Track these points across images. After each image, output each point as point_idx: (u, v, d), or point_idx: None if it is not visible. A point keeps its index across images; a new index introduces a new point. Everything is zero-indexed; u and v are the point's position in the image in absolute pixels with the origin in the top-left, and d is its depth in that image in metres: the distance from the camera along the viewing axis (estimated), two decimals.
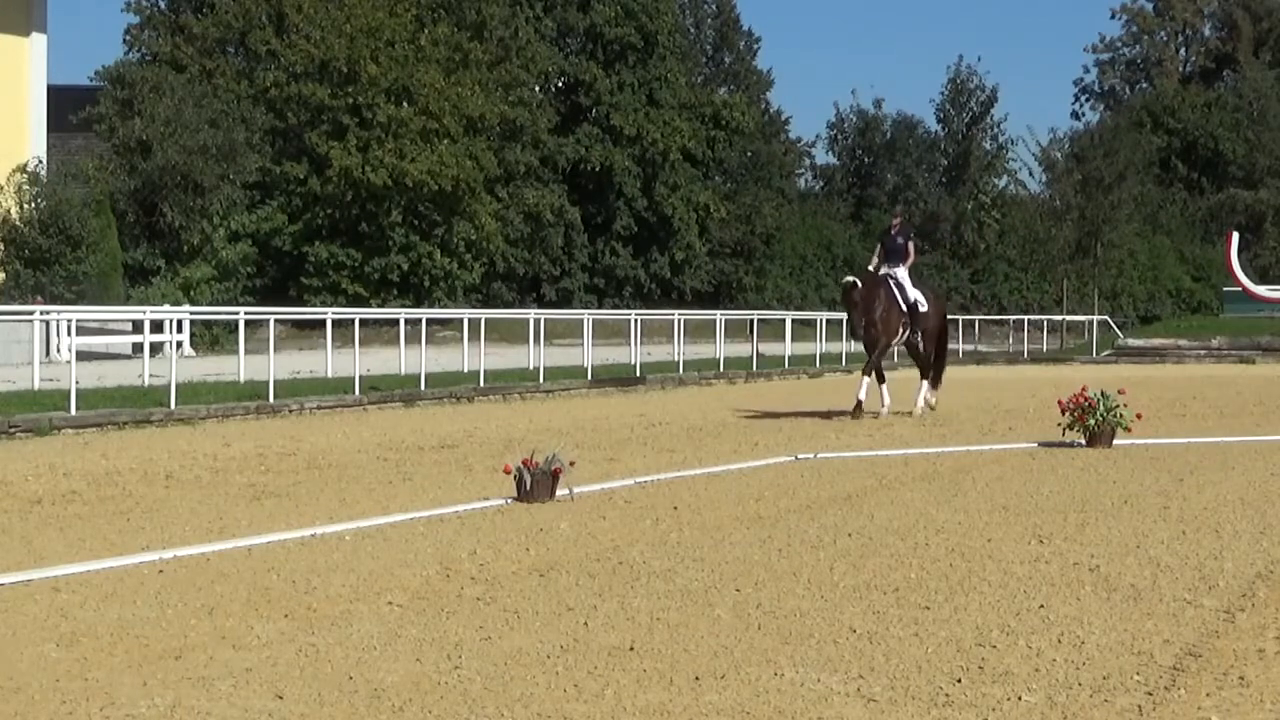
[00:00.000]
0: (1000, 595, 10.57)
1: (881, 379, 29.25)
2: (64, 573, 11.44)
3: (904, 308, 28.91)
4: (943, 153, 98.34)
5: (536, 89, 77.01)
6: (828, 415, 28.38)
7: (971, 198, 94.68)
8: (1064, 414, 21.54)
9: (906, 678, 8.38)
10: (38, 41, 54.33)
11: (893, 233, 29.88)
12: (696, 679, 8.33)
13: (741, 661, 8.70)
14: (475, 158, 66.74)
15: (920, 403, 29.26)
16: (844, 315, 30.64)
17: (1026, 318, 73.50)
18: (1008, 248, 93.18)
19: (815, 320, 57.40)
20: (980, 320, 75.74)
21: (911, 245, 29.91)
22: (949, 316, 34.87)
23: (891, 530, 13.53)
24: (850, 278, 29.23)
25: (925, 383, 29.82)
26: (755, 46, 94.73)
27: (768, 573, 11.44)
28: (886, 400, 28.73)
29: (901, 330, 29.08)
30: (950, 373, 32.95)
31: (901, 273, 29.15)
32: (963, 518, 14.33)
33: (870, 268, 29.42)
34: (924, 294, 29.68)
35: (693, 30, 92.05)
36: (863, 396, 28.24)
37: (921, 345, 29.73)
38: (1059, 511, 14.67)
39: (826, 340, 55.44)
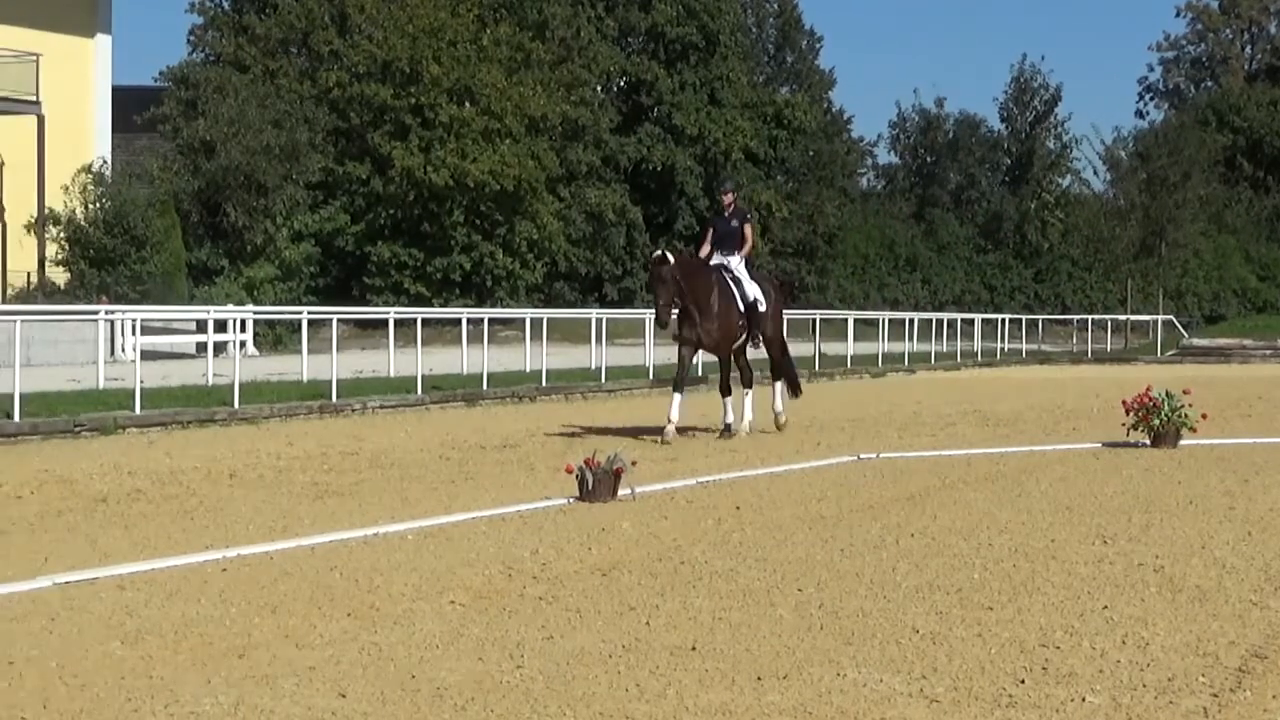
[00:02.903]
0: (1064, 596, 10.52)
1: (727, 391, 24.23)
2: (129, 571, 11.50)
3: (742, 306, 23.71)
4: (1006, 152, 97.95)
5: (598, 89, 77.04)
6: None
7: (1035, 197, 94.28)
8: (1128, 414, 21.40)
9: (969, 678, 8.35)
10: (103, 43, 54.70)
11: (725, 214, 24.39)
12: (759, 679, 8.32)
13: (804, 661, 8.68)
14: (537, 157, 66.81)
15: (749, 416, 24.48)
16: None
17: (1090, 317, 73.26)
18: (1071, 247, 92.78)
19: (878, 320, 57.26)
20: (1044, 320, 75.48)
21: (749, 229, 24.40)
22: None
23: (954, 531, 13.48)
24: (660, 250, 23.65)
25: (778, 385, 25.20)
26: (817, 46, 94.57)
27: (830, 573, 11.41)
28: (730, 418, 24.07)
29: (740, 335, 23.90)
30: (1014, 372, 32.48)
31: (736, 263, 23.83)
32: (1026, 518, 14.26)
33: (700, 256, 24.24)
34: (763, 289, 24.29)
35: (754, 29, 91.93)
36: (674, 417, 23.00)
37: (774, 349, 24.95)
38: (1123, 512, 14.59)
39: (889, 340, 55.31)
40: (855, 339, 52.77)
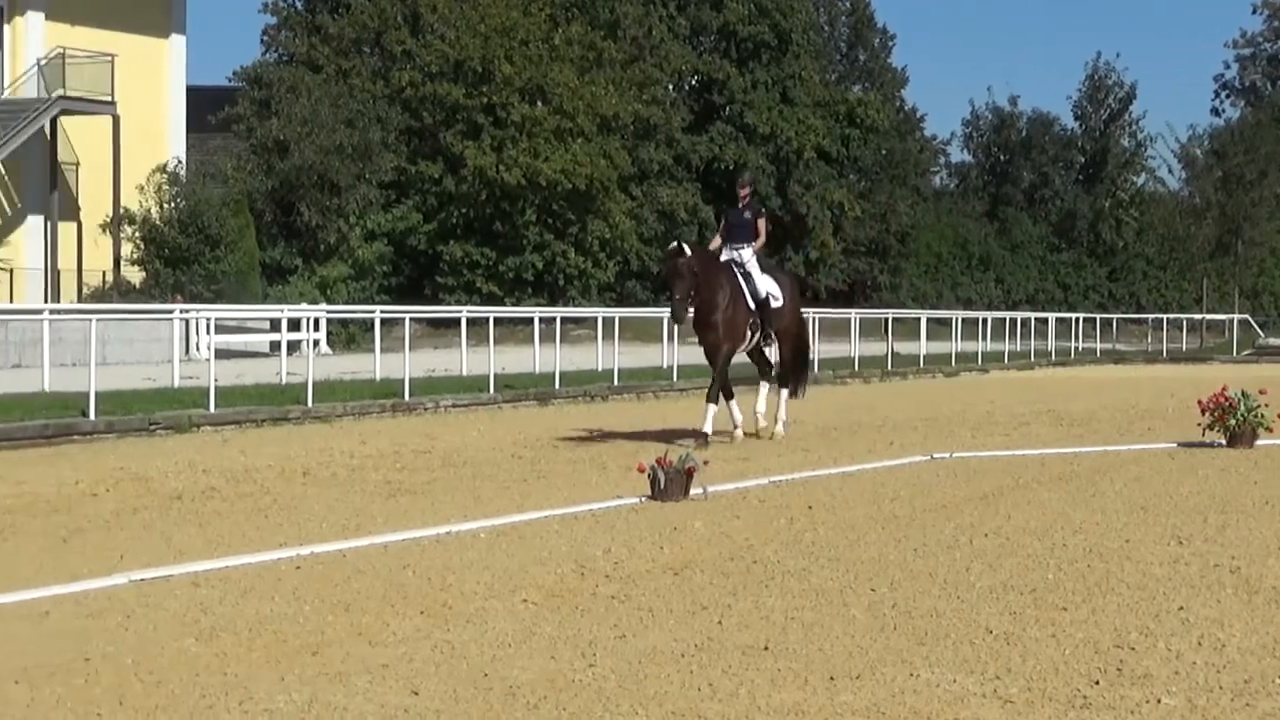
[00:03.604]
0: (1139, 597, 10.45)
1: (730, 394, 23.08)
2: (203, 568, 11.55)
3: (752, 304, 22.76)
4: (1080, 150, 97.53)
5: (670, 87, 77.03)
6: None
7: (1109, 195, 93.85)
8: (1204, 414, 21.25)
9: (1043, 679, 8.30)
10: (177, 43, 55.03)
11: (739, 205, 23.56)
12: (831, 679, 8.29)
13: (877, 662, 8.65)
14: (609, 156, 66.86)
15: (782, 416, 23.80)
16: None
17: (1165, 317, 72.87)
18: (1146, 246, 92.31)
19: (951, 319, 57.07)
20: (1118, 319, 75.11)
21: (762, 223, 23.47)
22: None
23: (1028, 531, 13.42)
24: (677, 242, 22.67)
25: (783, 391, 24.07)
26: (890, 44, 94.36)
27: (903, 572, 11.37)
28: (738, 418, 22.97)
29: (750, 334, 22.93)
30: (1088, 372, 32.16)
31: (748, 256, 22.95)
32: (1100, 518, 14.18)
33: (710, 249, 23.41)
34: (778, 284, 23.56)
35: (826, 28, 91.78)
36: (708, 429, 21.97)
37: (776, 352, 23.94)
38: (1199, 512, 14.49)
39: (962, 339, 55.13)
40: (928, 338, 52.61)
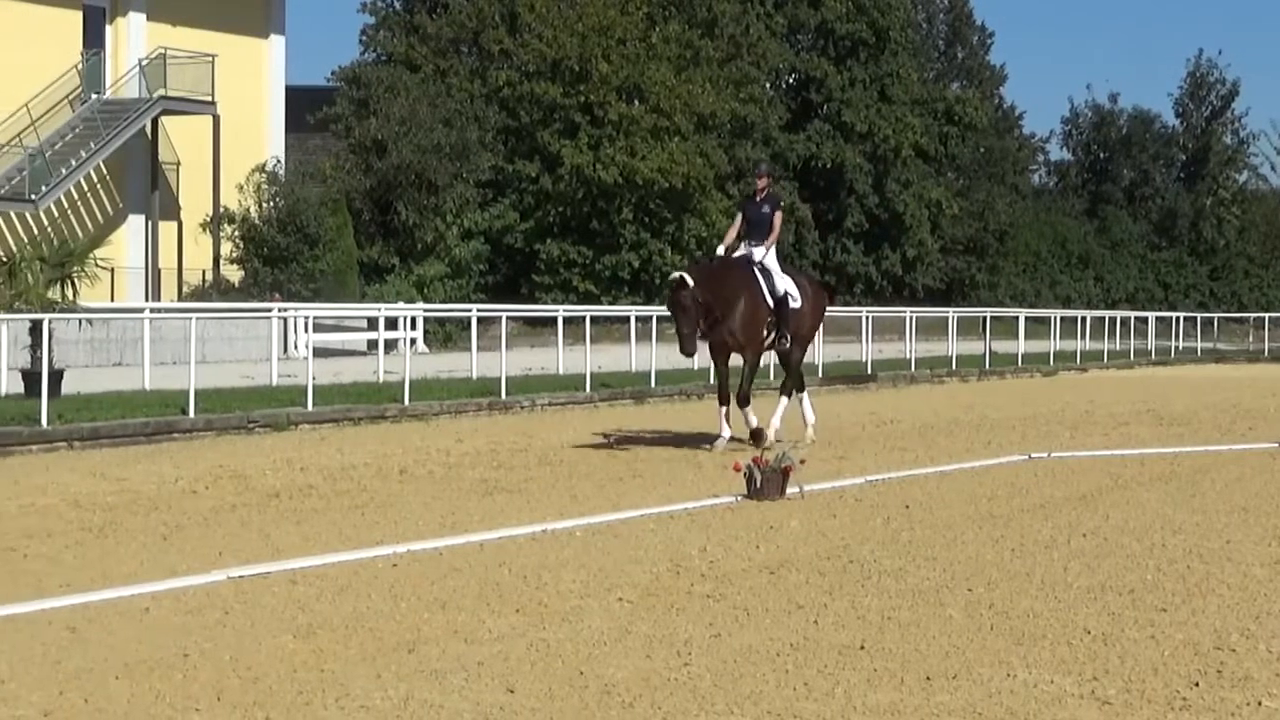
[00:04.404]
0: (1239, 598, 10.37)
1: (725, 400, 21.80)
2: (301, 565, 11.62)
3: (771, 303, 21.67)
4: (1181, 148, 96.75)
5: (767, 86, 76.86)
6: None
7: (1211, 194, 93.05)
8: None
9: (1142, 681, 8.25)
10: (276, 43, 55.37)
11: (757, 199, 22.34)
12: (928, 679, 8.26)
13: (973, 662, 8.61)
14: (706, 155, 66.77)
15: (810, 419, 22.70)
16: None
17: (1267, 315, 72.18)
18: (1248, 244, 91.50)
19: (1049, 318, 56.73)
20: (1219, 318, 74.47)
21: (778, 217, 22.23)
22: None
23: (1127, 531, 13.33)
24: (678, 272, 21.43)
25: (804, 398, 23.00)
26: (988, 41, 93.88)
27: (1000, 572, 11.32)
28: (727, 432, 21.48)
29: (767, 333, 21.88)
30: (1188, 371, 31.72)
31: (764, 254, 21.78)
32: (1200, 519, 14.08)
33: (724, 246, 22.45)
34: (798, 284, 22.49)
35: (924, 25, 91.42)
36: (725, 434, 21.34)
37: (794, 354, 22.88)
38: None
39: (1061, 338, 54.82)
40: (1026, 337, 52.30)
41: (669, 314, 21.72)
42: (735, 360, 21.91)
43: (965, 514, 14.53)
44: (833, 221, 79.33)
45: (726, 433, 21.33)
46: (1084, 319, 58.38)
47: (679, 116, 65.88)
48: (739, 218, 22.60)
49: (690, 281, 20.67)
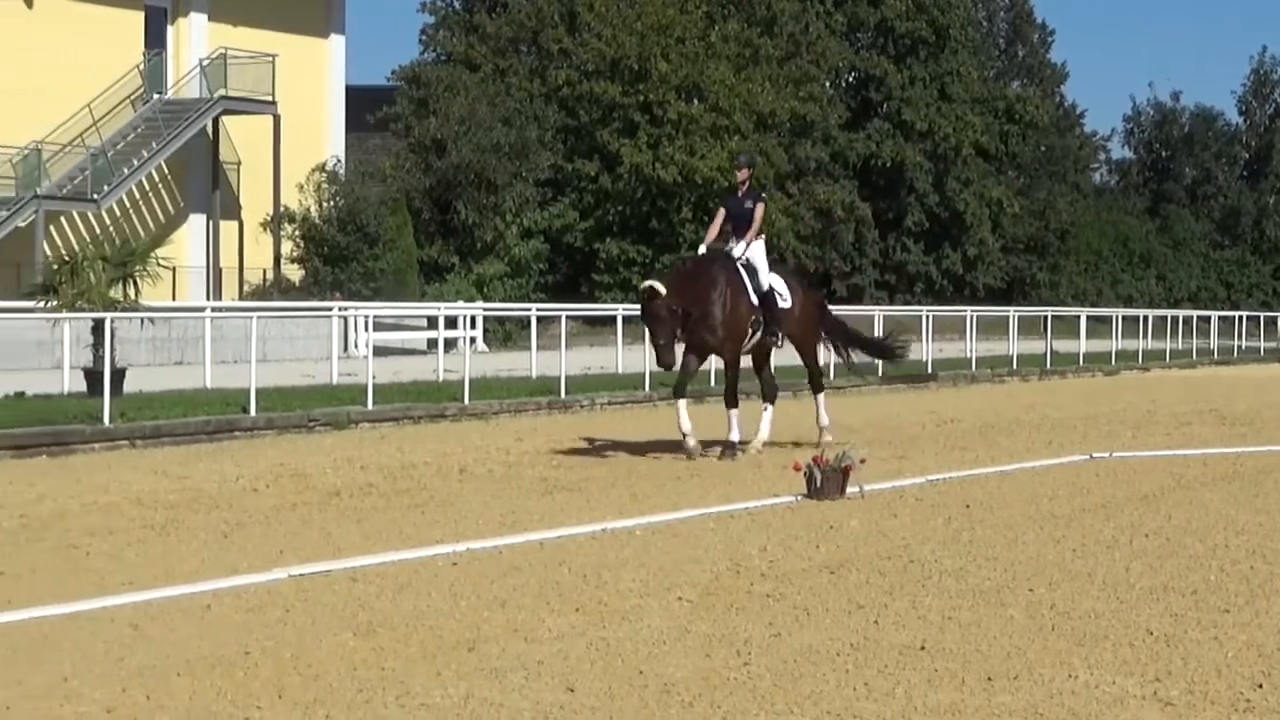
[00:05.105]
0: None
1: (683, 393, 20.67)
2: (361, 564, 11.65)
3: (754, 298, 20.60)
4: (1244, 146, 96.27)
5: (827, 84, 76.75)
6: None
7: (1274, 191, 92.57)
8: None
9: (1205, 682, 8.20)
10: (336, 43, 55.54)
11: (739, 193, 21.23)
12: (989, 679, 8.23)
13: (1035, 662, 8.58)
14: (766, 154, 66.70)
15: (824, 421, 21.93)
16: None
17: None
18: None
19: (1111, 317, 56.48)
20: None
21: (760, 211, 21.02)
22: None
23: (1189, 531, 13.26)
24: (649, 282, 20.22)
25: (819, 397, 22.22)
26: (1049, 39, 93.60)
27: (1062, 573, 11.27)
28: (687, 426, 20.28)
29: (751, 331, 20.71)
30: (1252, 371, 31.41)
31: (743, 249, 20.64)
32: (1264, 519, 13.99)
33: (706, 243, 21.16)
34: (785, 281, 21.43)
35: (985, 23, 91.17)
36: (686, 428, 20.13)
37: (806, 358, 22.13)
38: None
39: (1122, 337, 54.57)
40: (1088, 336, 52.07)
41: (643, 321, 20.67)
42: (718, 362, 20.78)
43: (1026, 514, 14.47)
44: (893, 220, 79.18)
45: (687, 426, 20.10)
46: (1146, 318, 58.09)
47: (738, 115, 65.87)
48: (720, 213, 21.52)
49: (662, 290, 19.63)
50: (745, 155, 23.09)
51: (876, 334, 23.57)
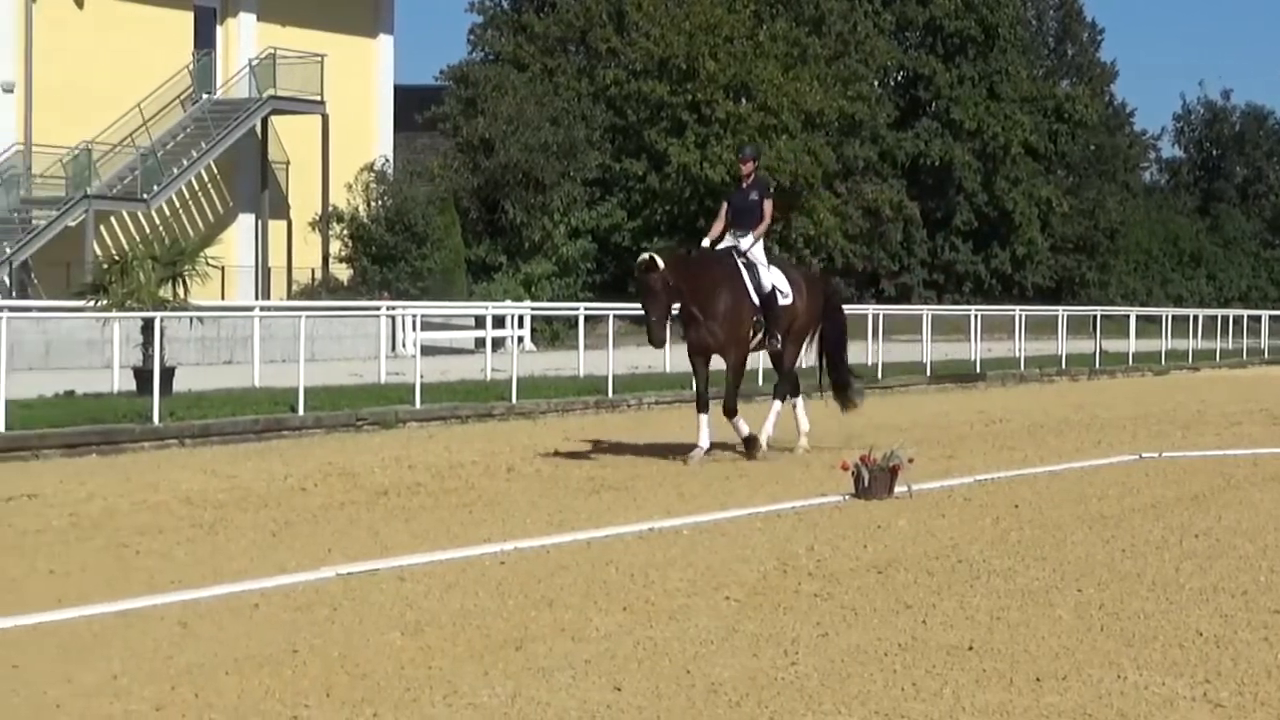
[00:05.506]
0: None
1: (705, 407, 20.03)
2: (409, 563, 11.66)
3: (756, 299, 19.82)
4: None
5: (875, 83, 76.65)
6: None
7: None
8: None
9: (1256, 683, 8.16)
10: (385, 43, 55.66)
11: (744, 185, 20.54)
12: (1037, 680, 8.21)
13: (1083, 663, 8.55)
14: (813, 153, 66.64)
15: (803, 428, 21.04)
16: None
17: None
18: None
19: (1160, 316, 56.25)
20: None
21: (768, 205, 20.30)
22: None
23: (1240, 532, 13.20)
24: (647, 254, 19.49)
25: (798, 403, 21.12)
26: (1098, 38, 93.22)
27: (1111, 573, 11.23)
28: (704, 438, 19.76)
29: (754, 333, 20.07)
30: None
31: (749, 243, 19.96)
32: None
33: (709, 238, 20.38)
34: (788, 278, 20.56)
35: (1034, 22, 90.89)
36: (704, 443, 19.55)
37: (786, 355, 20.81)
38: None
39: (1172, 337, 54.35)
40: (1137, 336, 51.88)
41: (637, 299, 19.76)
42: (719, 363, 20.24)
43: (1075, 514, 14.43)
44: (941, 220, 79.04)
45: (705, 443, 19.62)
46: (1196, 318, 57.85)
47: (786, 114, 65.81)
48: (724, 207, 20.69)
49: (660, 263, 18.92)
50: (750, 148, 22.56)
51: (855, 365, 22.16)
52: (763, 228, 20.19)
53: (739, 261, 19.75)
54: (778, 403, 21.07)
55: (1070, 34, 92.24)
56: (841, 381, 21.67)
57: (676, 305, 19.47)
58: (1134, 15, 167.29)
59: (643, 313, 19.33)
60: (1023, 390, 38.35)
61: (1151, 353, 51.34)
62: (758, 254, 20.01)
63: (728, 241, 20.05)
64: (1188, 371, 49.31)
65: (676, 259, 19.73)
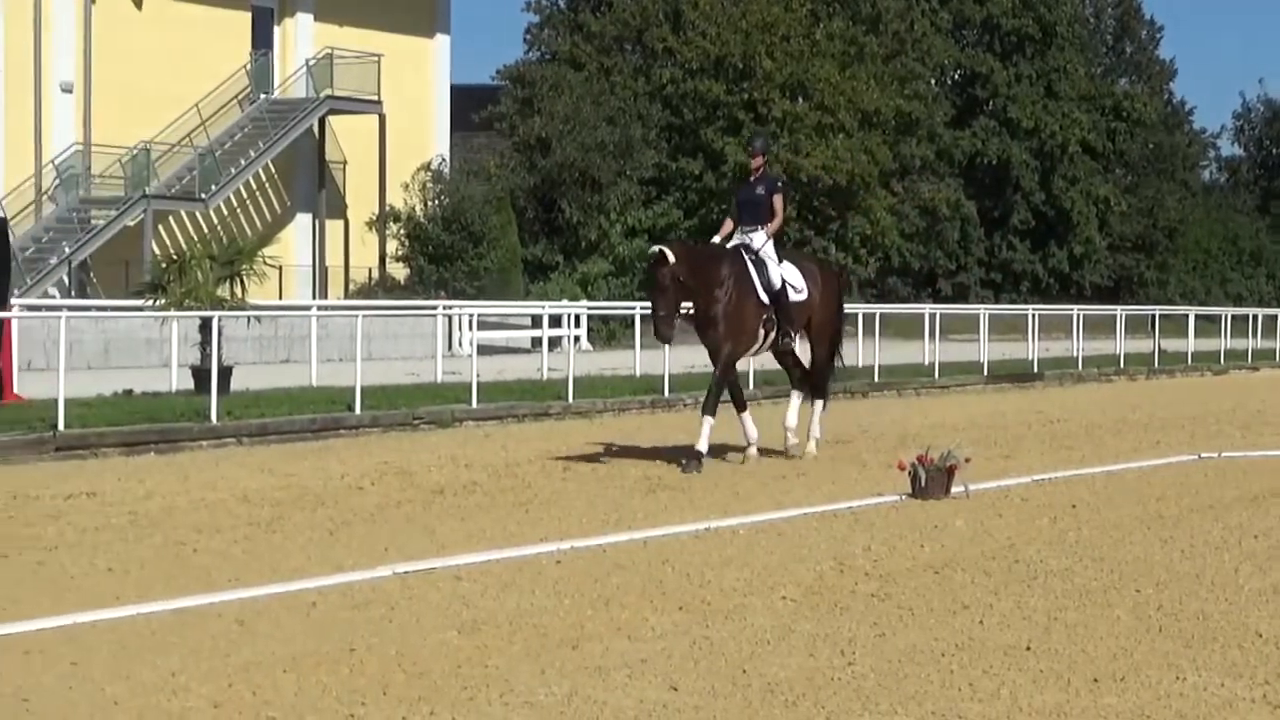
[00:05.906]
0: None
1: (742, 406, 19.93)
2: (465, 562, 11.68)
3: (764, 296, 19.29)
4: None
5: (932, 82, 76.49)
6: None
7: None
8: None
9: None
10: (442, 43, 55.80)
11: (751, 180, 20.01)
12: (1095, 681, 8.17)
13: (1141, 664, 8.51)
14: (870, 152, 66.55)
15: (815, 433, 20.31)
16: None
17: None
18: None
19: (1219, 316, 55.94)
20: None
21: (779, 200, 19.67)
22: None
23: None
24: (658, 247, 19.19)
25: (816, 404, 20.59)
26: (1157, 36, 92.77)
27: (1169, 574, 11.18)
28: (753, 434, 19.70)
29: (763, 332, 19.48)
30: None
31: (761, 240, 19.41)
32: None
33: (719, 236, 19.85)
34: (800, 272, 19.96)
35: (1092, 20, 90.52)
36: (703, 448, 18.71)
37: (803, 351, 20.60)
38: None
39: (1232, 336, 54.05)
40: (1196, 335, 51.59)
41: (645, 294, 19.06)
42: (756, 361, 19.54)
43: (1133, 514, 14.37)
44: (998, 218, 78.80)
45: (754, 438, 19.52)
46: (1255, 317, 57.49)
47: (843, 113, 65.74)
48: (732, 203, 20.41)
49: (671, 257, 18.46)
50: (760, 140, 21.63)
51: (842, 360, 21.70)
52: (775, 224, 19.69)
53: (748, 260, 19.25)
54: (797, 395, 20.52)
55: (1129, 32, 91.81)
56: (822, 377, 20.92)
57: (689, 304, 19.17)
58: (1193, 13, 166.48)
59: (650, 307, 19.05)
60: (1080, 390, 38.19)
61: (1210, 352, 51.03)
62: (769, 251, 19.52)
63: (736, 239, 19.60)
64: (1247, 371, 49.00)
65: (689, 252, 19.30)
